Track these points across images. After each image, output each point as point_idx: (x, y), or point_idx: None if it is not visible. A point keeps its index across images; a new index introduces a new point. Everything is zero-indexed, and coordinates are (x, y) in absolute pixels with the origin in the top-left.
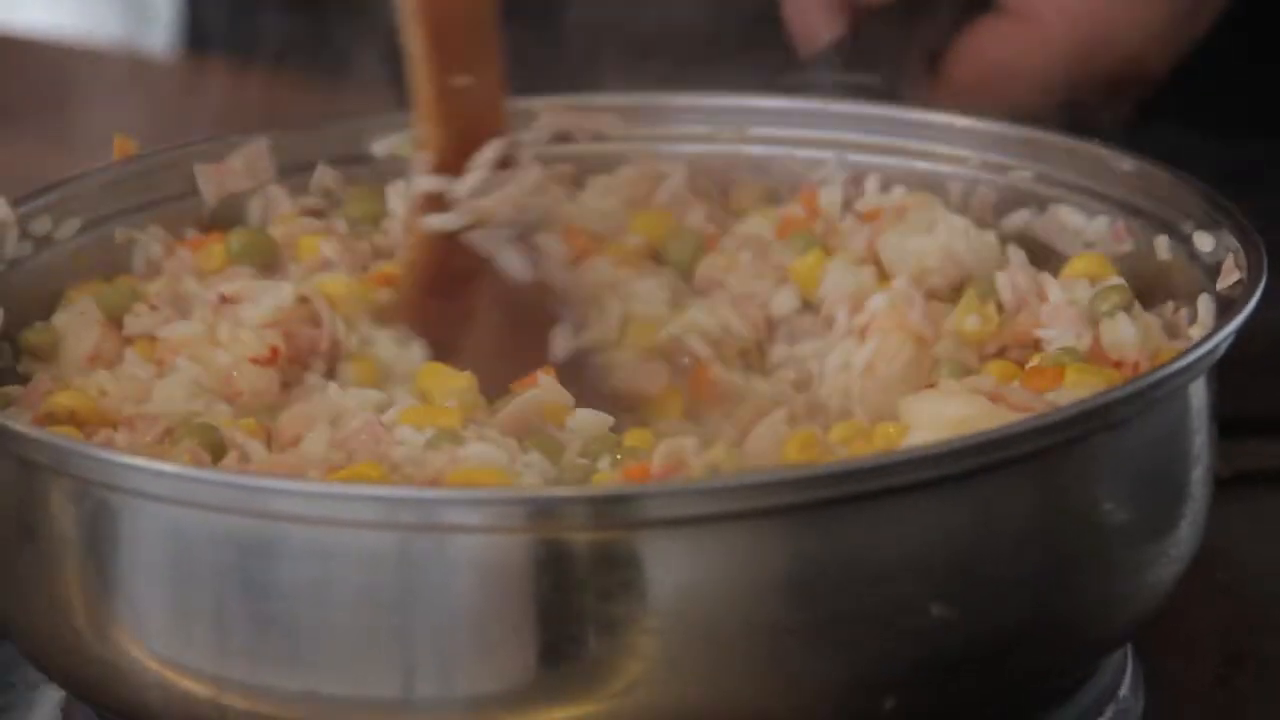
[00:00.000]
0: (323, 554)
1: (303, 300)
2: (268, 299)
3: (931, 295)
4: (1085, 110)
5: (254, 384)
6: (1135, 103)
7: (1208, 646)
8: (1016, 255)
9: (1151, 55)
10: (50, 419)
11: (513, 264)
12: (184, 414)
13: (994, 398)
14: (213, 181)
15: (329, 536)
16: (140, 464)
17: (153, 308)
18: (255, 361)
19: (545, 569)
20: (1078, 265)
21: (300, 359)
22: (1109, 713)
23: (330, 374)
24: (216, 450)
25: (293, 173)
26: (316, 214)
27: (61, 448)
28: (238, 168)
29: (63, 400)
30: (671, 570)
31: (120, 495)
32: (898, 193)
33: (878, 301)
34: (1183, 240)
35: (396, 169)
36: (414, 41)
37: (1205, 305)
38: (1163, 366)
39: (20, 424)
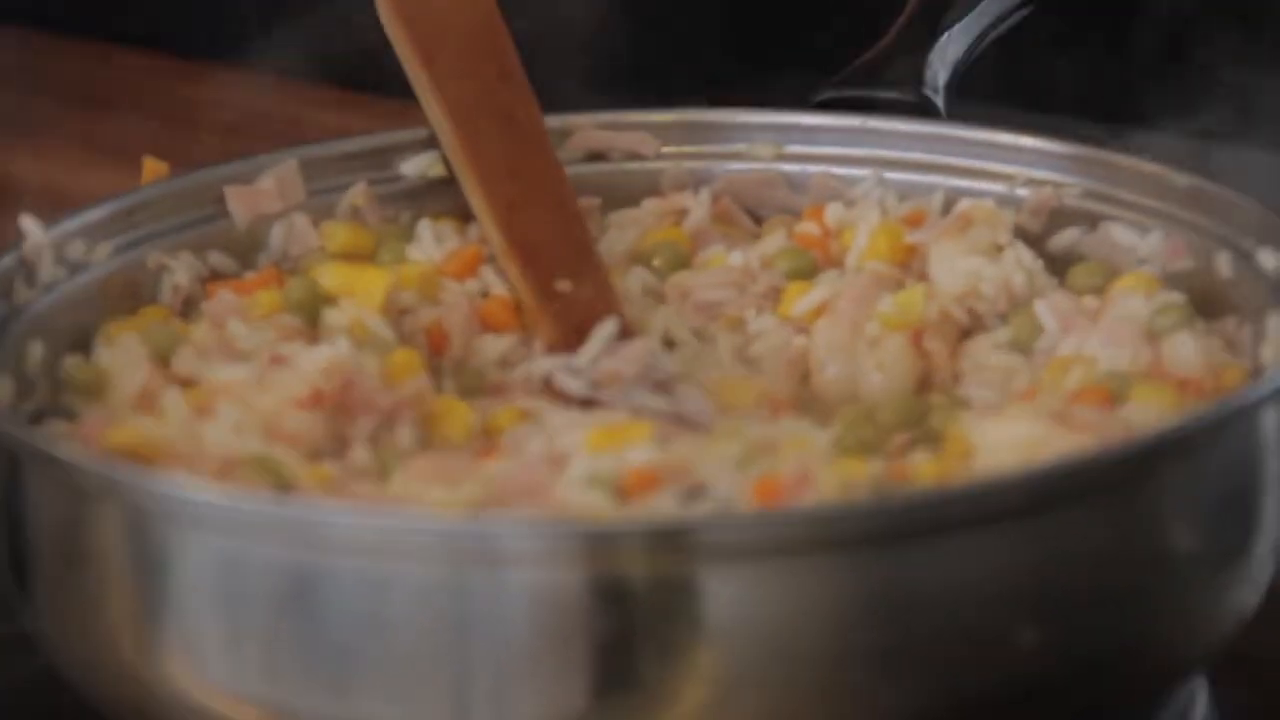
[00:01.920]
0: (375, 583)
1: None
2: (322, 351)
3: (947, 318)
4: None
5: (299, 427)
6: None
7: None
8: (1049, 281)
9: None
10: (109, 458)
11: (654, 407)
12: (247, 454)
13: (1059, 418)
14: (244, 204)
15: (381, 566)
16: (193, 494)
17: (200, 355)
18: (299, 405)
19: (601, 599)
20: (1128, 282)
21: (351, 411)
22: None
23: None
24: (282, 487)
25: (322, 193)
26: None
27: (114, 478)
28: (269, 189)
29: (121, 437)
30: (732, 602)
31: (172, 525)
32: (964, 204)
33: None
34: (1244, 257)
35: (426, 188)
36: (511, 269)
37: (1277, 324)
38: (1243, 392)
39: (73, 453)
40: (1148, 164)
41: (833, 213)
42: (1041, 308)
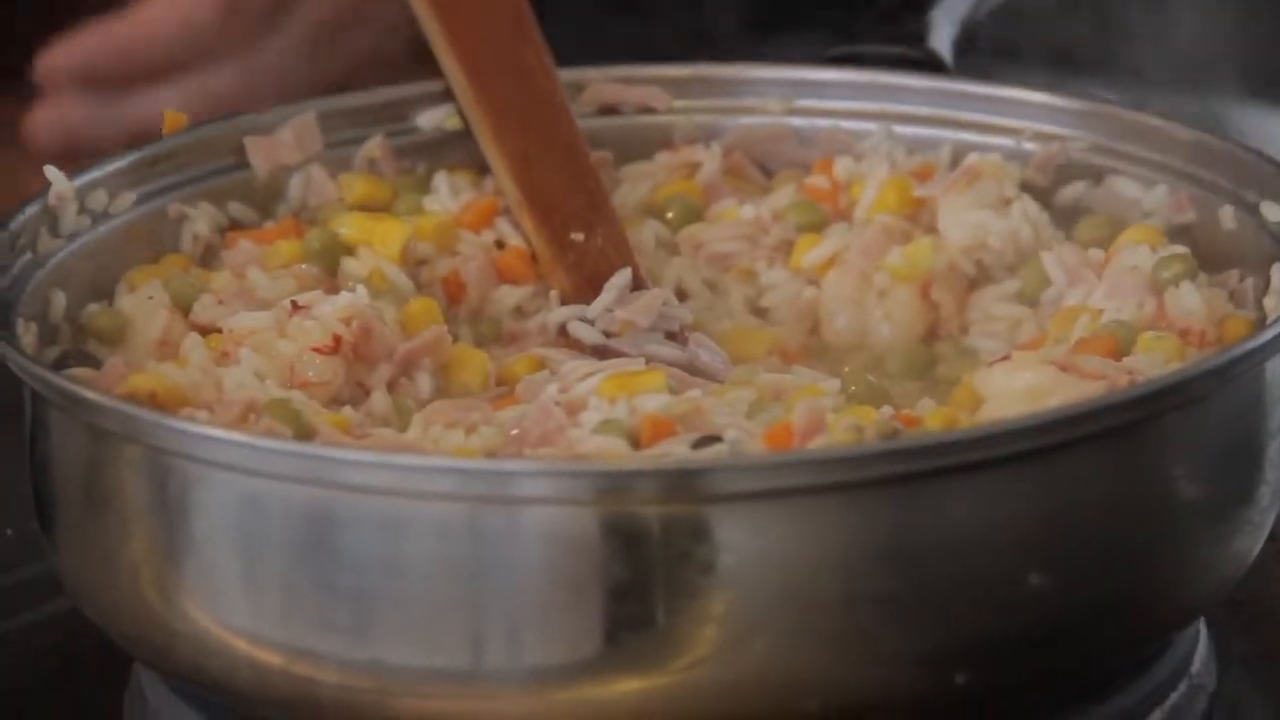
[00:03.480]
0: (393, 525)
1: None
2: (341, 299)
3: (955, 269)
4: None
5: (319, 373)
6: None
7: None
8: (1056, 234)
9: None
10: (130, 401)
11: (667, 357)
12: (267, 398)
13: (1065, 366)
14: (263, 155)
15: (399, 507)
16: (213, 433)
17: (220, 302)
18: (318, 351)
19: (615, 542)
20: (1132, 234)
21: (370, 358)
22: (1181, 688)
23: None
24: (302, 433)
25: (340, 145)
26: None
27: (136, 417)
28: (288, 140)
29: (141, 382)
30: (744, 544)
31: (192, 464)
32: (972, 158)
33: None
34: (1249, 210)
35: (442, 140)
36: (526, 220)
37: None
38: (1246, 340)
39: (95, 393)
40: (1152, 118)
41: (842, 166)
42: (1049, 260)
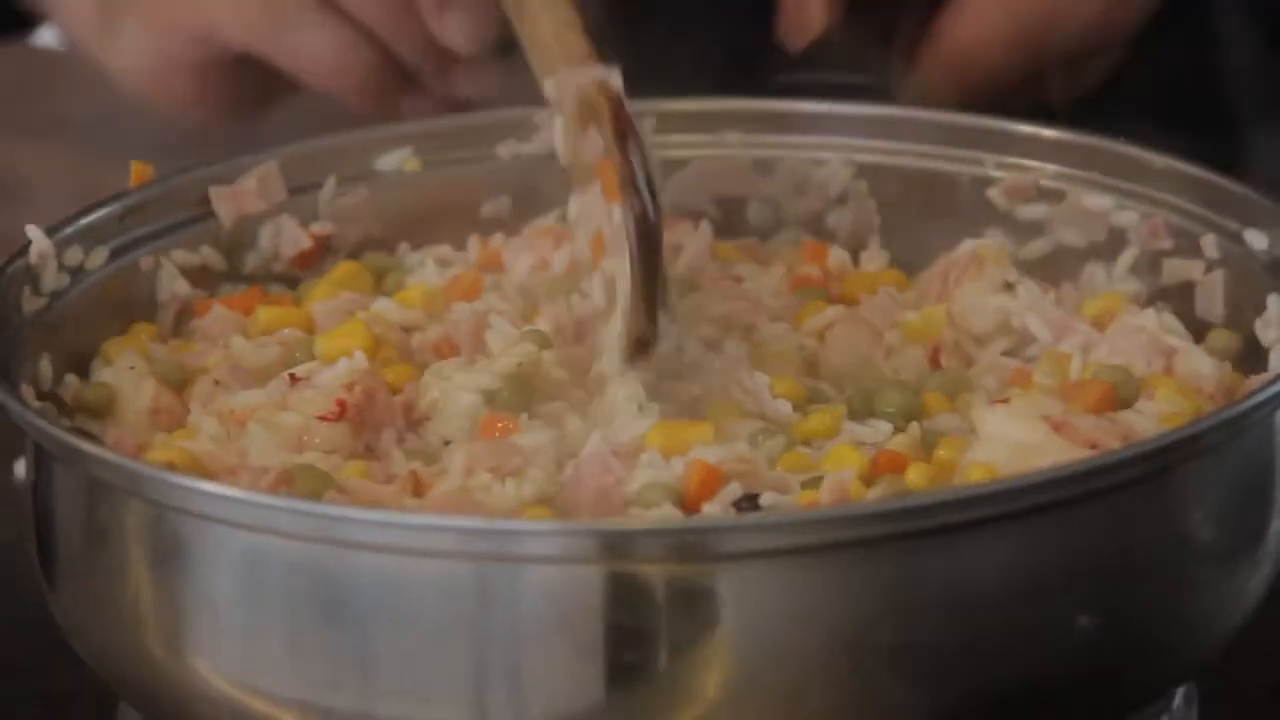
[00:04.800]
0: (396, 583)
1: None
2: (340, 366)
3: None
4: (1048, 86)
5: (327, 441)
6: (1098, 77)
7: (1261, 656)
8: (1032, 291)
9: (1111, 22)
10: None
11: None
12: (295, 462)
13: (1059, 426)
14: (227, 204)
15: (403, 565)
16: (216, 490)
17: (216, 382)
18: (324, 419)
19: (617, 599)
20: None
21: (375, 422)
22: None
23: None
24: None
25: (303, 191)
26: (326, 240)
27: (137, 472)
28: (251, 189)
29: (159, 456)
30: (745, 603)
31: (195, 520)
32: (967, 245)
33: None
34: (1231, 239)
35: (401, 183)
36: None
37: (1277, 306)
38: (1257, 391)
39: (99, 448)
40: (1123, 146)
41: (835, 256)
42: (1031, 320)
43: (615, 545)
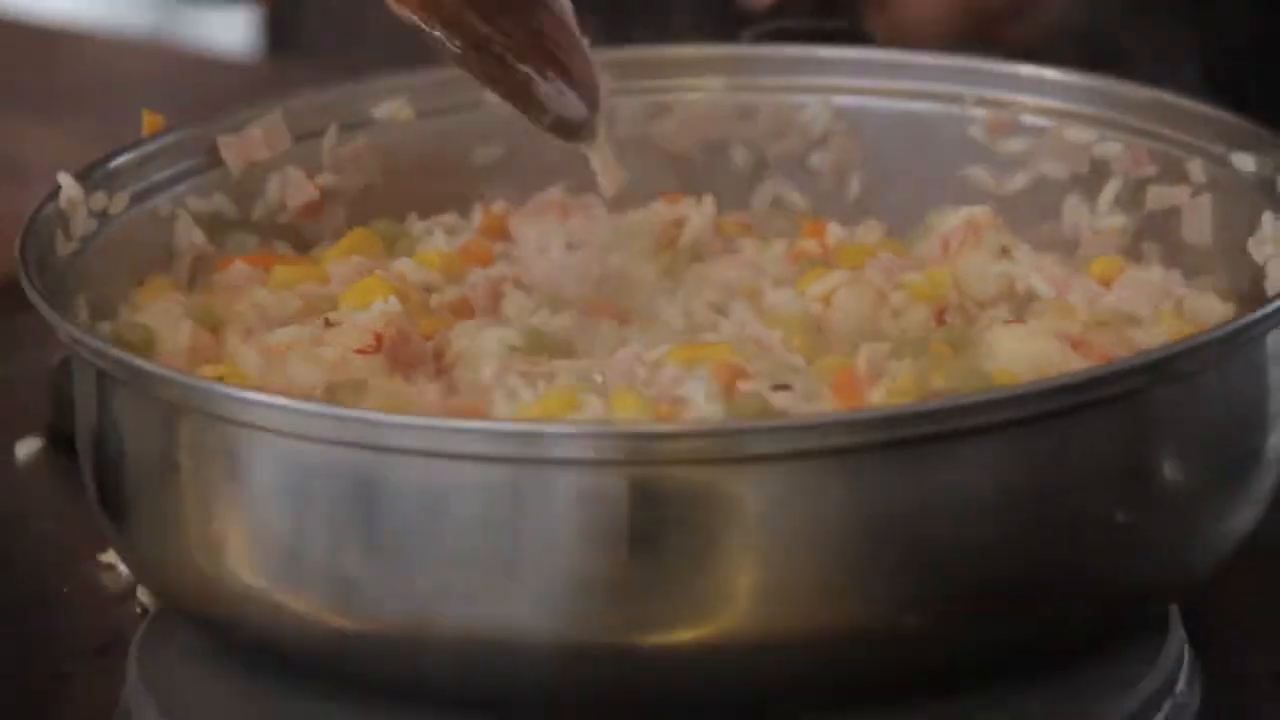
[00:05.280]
0: (432, 486)
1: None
2: (375, 309)
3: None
4: (995, 35)
5: (364, 373)
6: (1039, 28)
7: (1264, 641)
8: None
9: None
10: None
11: None
12: (342, 379)
13: (1078, 343)
14: (236, 153)
15: (438, 469)
16: (259, 398)
17: (248, 330)
18: (361, 352)
19: (643, 500)
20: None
21: (409, 361)
22: (1166, 709)
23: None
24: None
25: (307, 139)
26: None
27: (199, 386)
28: (258, 137)
29: (209, 372)
30: (766, 502)
31: (249, 430)
32: (964, 211)
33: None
34: (1218, 162)
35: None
36: None
37: (1271, 224)
38: (1248, 313)
39: (156, 365)
40: (1105, 80)
41: (834, 232)
42: (1036, 280)
43: (640, 447)
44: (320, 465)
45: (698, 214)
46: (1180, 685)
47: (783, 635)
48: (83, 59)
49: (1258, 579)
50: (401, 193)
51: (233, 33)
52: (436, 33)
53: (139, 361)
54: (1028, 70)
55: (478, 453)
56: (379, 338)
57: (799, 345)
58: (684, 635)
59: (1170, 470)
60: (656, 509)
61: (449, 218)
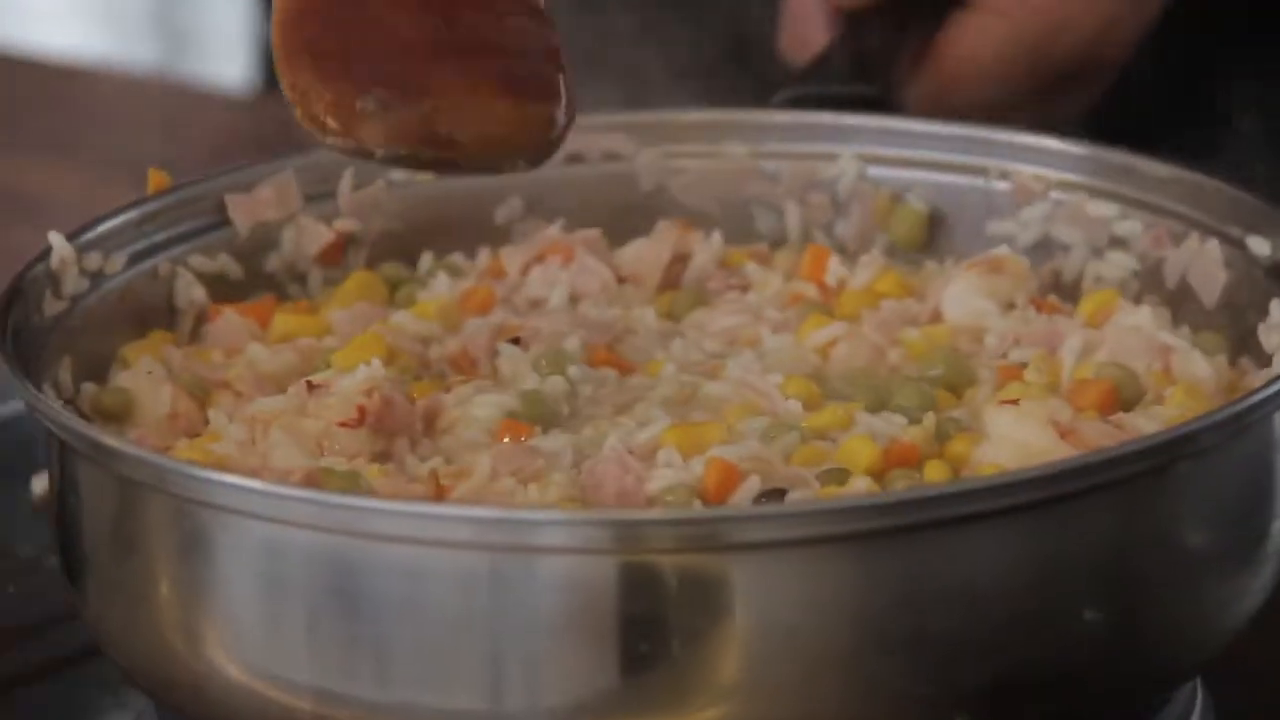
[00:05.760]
0: (414, 573)
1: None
2: (359, 374)
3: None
4: (1049, 102)
5: (345, 447)
6: (1093, 95)
7: (1276, 681)
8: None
9: (1109, 40)
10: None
11: None
12: (321, 464)
13: (1065, 433)
14: (244, 212)
15: (420, 555)
16: (238, 482)
17: (238, 394)
18: (344, 425)
19: (632, 590)
20: (1090, 302)
21: (391, 429)
22: None
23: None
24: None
25: (320, 199)
26: (350, 235)
27: (161, 466)
28: (268, 197)
29: (183, 447)
30: (756, 592)
31: (216, 512)
32: (1002, 250)
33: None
34: (1234, 245)
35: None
36: None
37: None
38: (1247, 396)
39: (124, 443)
40: (1128, 155)
41: (833, 270)
42: (1006, 324)
43: (629, 535)
44: (282, 549)
45: (704, 248)
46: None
47: None
48: (85, 96)
49: (1268, 616)
50: (421, 236)
51: (232, 71)
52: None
53: (95, 434)
54: (1050, 143)
55: (459, 540)
56: (362, 411)
57: (797, 393)
58: None
59: (1173, 552)
60: (645, 598)
61: (456, 258)
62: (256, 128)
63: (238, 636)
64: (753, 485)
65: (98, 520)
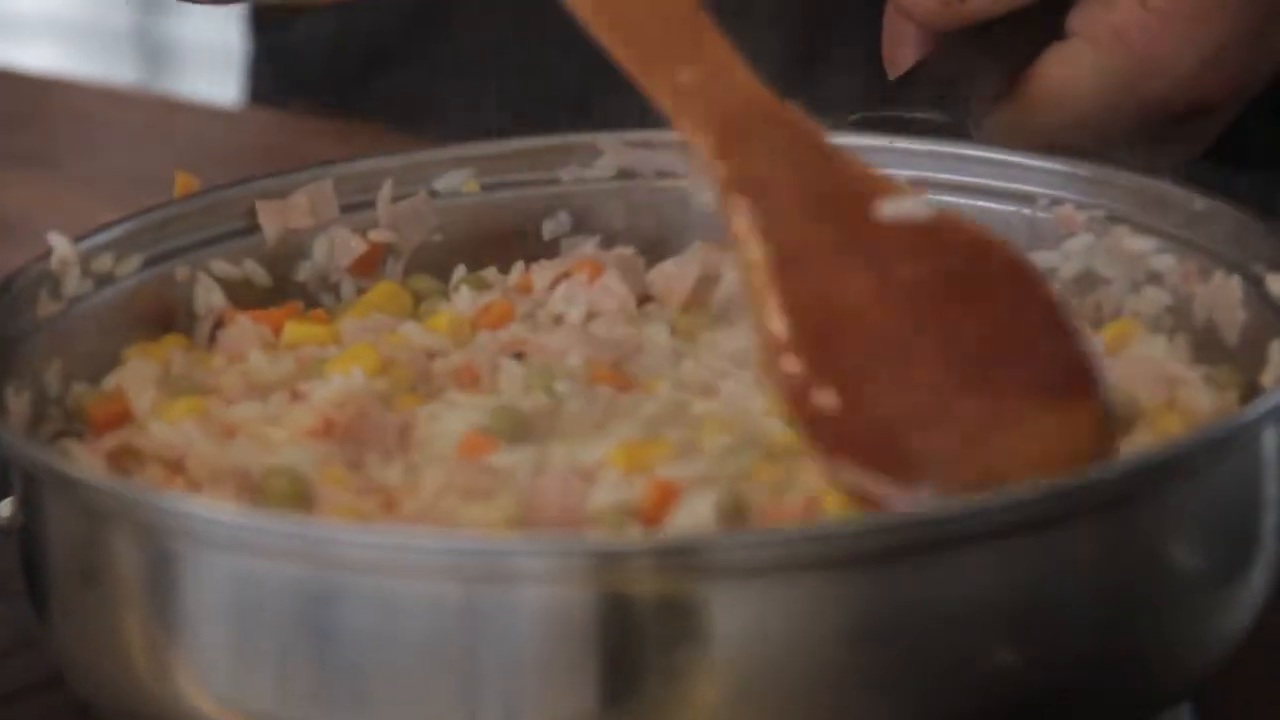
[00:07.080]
0: (386, 602)
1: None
2: (335, 384)
3: None
4: (1150, 143)
5: (312, 456)
6: (1202, 139)
7: (1266, 702)
8: None
9: (1209, 81)
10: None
11: None
12: (269, 464)
13: None
14: (274, 219)
15: (392, 585)
16: (202, 511)
17: (229, 402)
18: (310, 435)
19: (609, 619)
20: (1111, 330)
21: (363, 440)
22: None
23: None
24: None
25: (356, 210)
26: (386, 246)
27: (125, 495)
28: (301, 204)
29: (105, 446)
30: (736, 619)
31: (182, 542)
32: None
33: None
34: (1253, 282)
35: (457, 205)
36: (608, 48)
37: (1278, 352)
38: (1241, 412)
39: (83, 471)
40: (1165, 185)
41: None
42: None
43: (605, 563)
44: (251, 578)
45: (734, 271)
46: None
47: None
48: (68, 110)
49: (1257, 634)
50: (464, 249)
51: (214, 87)
52: None
53: (55, 462)
54: (1087, 171)
55: (431, 568)
56: (328, 422)
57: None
58: None
59: (1157, 577)
60: (624, 627)
61: (489, 273)
62: (242, 140)
63: (206, 668)
64: (693, 504)
65: (60, 546)
